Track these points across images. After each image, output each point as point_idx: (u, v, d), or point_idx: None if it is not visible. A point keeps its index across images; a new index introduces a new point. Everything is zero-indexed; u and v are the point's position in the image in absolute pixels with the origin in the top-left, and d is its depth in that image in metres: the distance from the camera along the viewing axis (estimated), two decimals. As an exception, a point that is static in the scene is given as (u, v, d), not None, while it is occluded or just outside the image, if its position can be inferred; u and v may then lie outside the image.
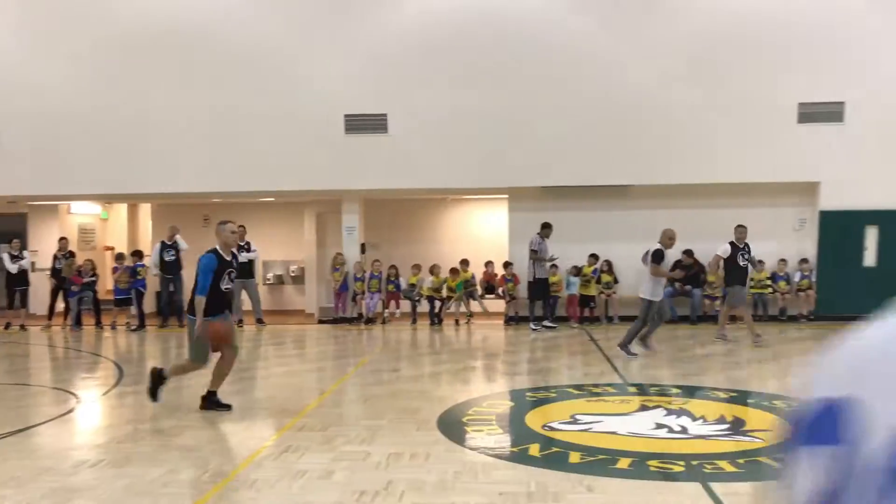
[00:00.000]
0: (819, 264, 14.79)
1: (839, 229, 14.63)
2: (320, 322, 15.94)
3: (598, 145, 14.77)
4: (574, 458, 6.18)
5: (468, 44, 14.85)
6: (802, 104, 14.44)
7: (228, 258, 7.86)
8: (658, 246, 11.00)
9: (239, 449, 6.71)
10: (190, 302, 7.86)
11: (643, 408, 7.88)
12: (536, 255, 14.10)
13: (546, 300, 14.52)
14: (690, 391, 8.90)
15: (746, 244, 12.13)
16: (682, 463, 6.02)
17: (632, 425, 7.20)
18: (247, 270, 15.03)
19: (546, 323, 14.25)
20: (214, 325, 7.64)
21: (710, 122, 14.53)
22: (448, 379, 10.08)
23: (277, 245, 17.23)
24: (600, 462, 6.07)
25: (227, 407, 7.88)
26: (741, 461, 6.05)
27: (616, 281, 15.06)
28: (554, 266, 14.63)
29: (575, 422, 7.37)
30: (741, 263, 12.01)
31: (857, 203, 14.44)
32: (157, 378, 7.98)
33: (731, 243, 12.04)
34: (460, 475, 5.77)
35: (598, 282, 15.02)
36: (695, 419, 7.37)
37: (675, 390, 8.89)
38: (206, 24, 15.14)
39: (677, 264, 14.81)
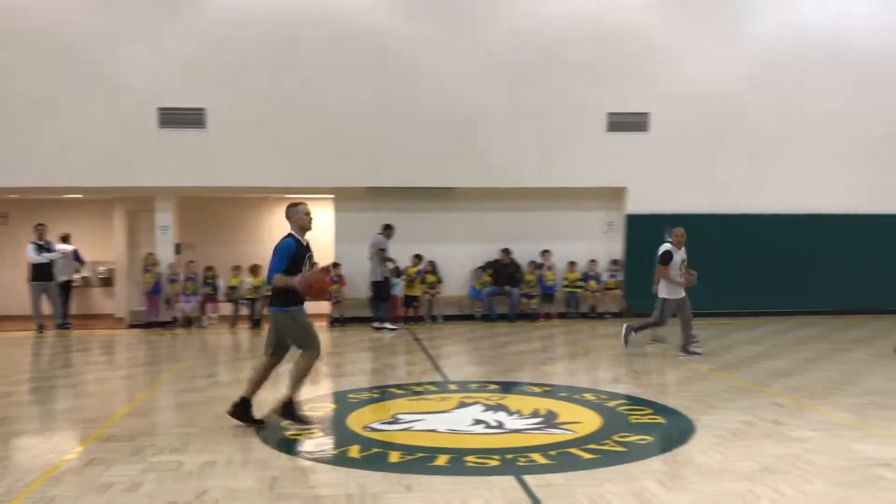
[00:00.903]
0: (626, 265, 15.73)
1: (644, 232, 15.59)
2: (131, 326, 15.11)
3: (424, 148, 14.97)
4: (394, 457, 6.19)
5: (292, 42, 14.63)
6: (611, 114, 15.31)
7: (305, 243, 7.26)
8: (667, 246, 11.04)
9: (35, 464, 6.20)
10: (273, 295, 7.19)
11: (462, 404, 8.03)
12: (384, 255, 14.07)
13: (388, 301, 14.49)
14: (507, 387, 9.17)
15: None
16: (497, 457, 6.17)
17: (451, 422, 7.31)
18: (47, 272, 14.05)
19: (388, 325, 14.16)
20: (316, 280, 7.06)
21: (526, 129, 15.11)
22: (268, 383, 9.80)
23: (84, 245, 16.14)
24: (419, 460, 6.12)
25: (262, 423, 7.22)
26: (553, 453, 6.28)
27: (440, 281, 15.30)
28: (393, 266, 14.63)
29: (396, 421, 7.40)
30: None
31: (660, 207, 15.46)
32: (244, 407, 7.25)
33: (669, 243, 12.26)
34: (278, 481, 5.63)
35: (423, 282, 15.20)
36: (511, 414, 7.60)
37: (493, 386, 9.13)
38: (9, 10, 14.03)
39: (491, 264, 15.32)
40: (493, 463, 6.05)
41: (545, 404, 8.04)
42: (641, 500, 5.19)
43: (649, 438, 6.79)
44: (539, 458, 6.14)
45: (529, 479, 5.61)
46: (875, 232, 15.85)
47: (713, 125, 15.49)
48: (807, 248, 15.68)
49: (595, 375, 10.11)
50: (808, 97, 15.56)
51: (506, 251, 15.37)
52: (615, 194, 15.79)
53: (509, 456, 6.21)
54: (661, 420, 7.47)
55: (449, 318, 15.22)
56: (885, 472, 5.75)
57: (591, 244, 15.96)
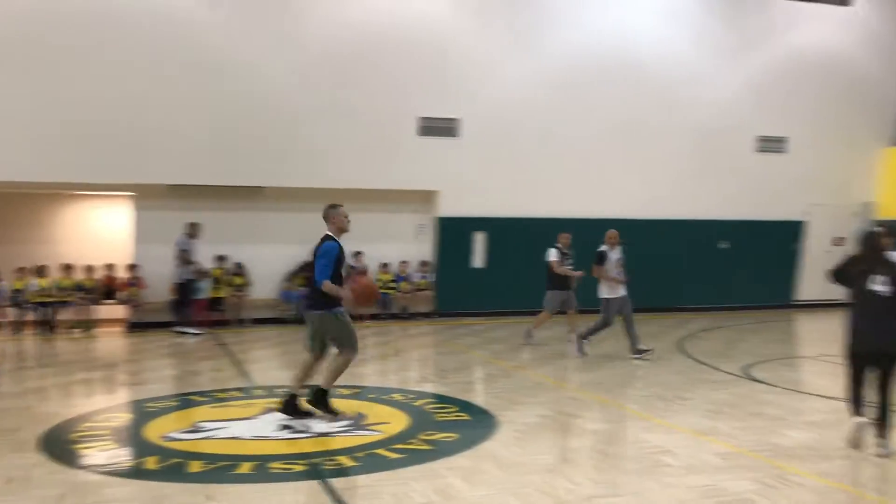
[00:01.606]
0: (437, 266, 16.04)
1: (453, 234, 16.01)
2: None
3: (231, 145, 14.46)
4: (194, 467, 5.94)
5: (90, 32, 13.64)
6: (423, 118, 15.55)
7: (342, 244, 7.28)
8: (603, 247, 11.24)
9: None
10: (315, 297, 7.21)
11: (268, 410, 7.83)
12: (186, 256, 13.39)
13: (190, 305, 13.82)
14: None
15: (569, 250, 12.66)
16: (303, 462, 6.08)
17: (256, 429, 7.12)
18: None
19: (190, 330, 13.47)
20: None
21: (339, 129, 15.00)
22: (57, 394, 9.14)
23: None
24: (221, 469, 5.91)
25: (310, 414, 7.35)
26: (360, 455, 6.28)
27: (248, 283, 14.88)
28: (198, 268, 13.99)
29: (197, 430, 7.10)
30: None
31: (468, 210, 15.92)
32: (293, 404, 7.34)
33: (558, 249, 12.54)
34: (65, 498, 5.23)
35: (230, 284, 14.71)
36: (318, 417, 7.51)
37: (301, 390, 8.98)
38: None
39: (305, 266, 15.11)
40: (299, 468, 5.96)
41: (354, 406, 8.01)
42: (444, 497, 5.29)
43: (454, 436, 6.94)
44: (346, 461, 6.11)
45: (336, 483, 5.58)
46: (672, 235, 17.07)
47: (519, 132, 16.10)
48: (576, 250, 16.42)
49: (404, 376, 10.22)
50: (605, 108, 16.50)
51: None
52: (427, 197, 16.05)
53: (316, 460, 6.14)
54: (466, 417, 7.66)
55: (258, 322, 14.82)
56: (669, 459, 6.21)
57: (403, 246, 16.13)
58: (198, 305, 14.19)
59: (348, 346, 7.37)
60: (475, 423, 7.41)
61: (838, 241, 18.30)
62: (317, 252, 7.30)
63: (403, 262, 15.96)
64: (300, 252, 15.25)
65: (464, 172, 15.79)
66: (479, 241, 16.26)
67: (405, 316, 15.84)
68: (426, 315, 15.92)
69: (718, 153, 17.51)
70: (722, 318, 16.03)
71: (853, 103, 18.54)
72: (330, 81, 14.86)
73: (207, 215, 14.32)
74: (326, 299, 7.20)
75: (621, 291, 11.07)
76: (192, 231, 13.61)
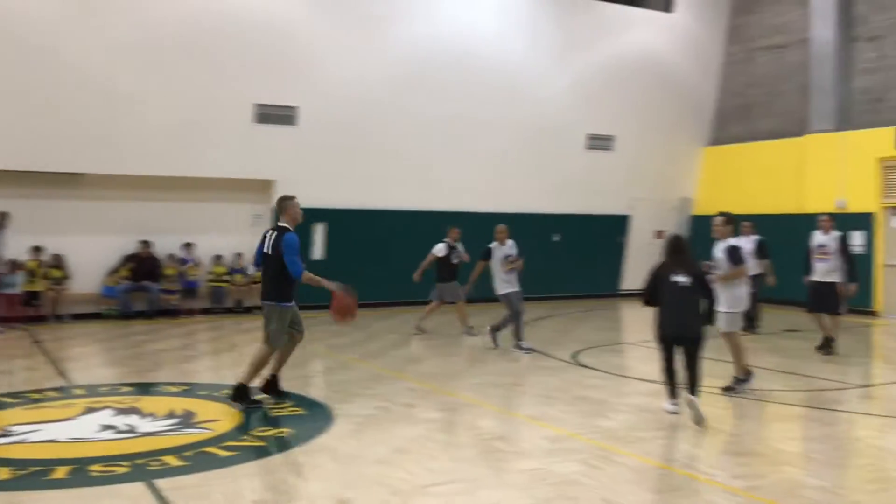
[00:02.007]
0: (273, 258, 15.66)
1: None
2: None
3: (46, 128, 13.44)
4: (2, 474, 5.47)
5: None
6: (259, 105, 15.11)
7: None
8: (492, 244, 11.23)
9: None
10: (276, 288, 7.45)
11: (89, 410, 7.36)
12: None
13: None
14: (143, 388, 8.63)
15: (457, 243, 12.77)
16: (126, 464, 5.75)
17: (74, 430, 6.67)
18: None
19: None
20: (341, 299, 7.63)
21: (168, 115, 14.31)
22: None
23: None
24: (33, 475, 5.48)
25: (288, 395, 7.72)
26: (189, 454, 6.01)
27: (66, 276, 13.93)
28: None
29: (7, 434, 6.56)
30: (454, 261, 12.67)
31: (307, 201, 15.51)
32: (244, 391, 7.46)
33: (447, 243, 12.58)
34: None
35: (46, 277, 13.72)
36: (144, 416, 7.14)
37: (126, 388, 8.52)
38: None
39: (130, 258, 14.36)
40: (122, 470, 5.62)
41: (183, 404, 7.67)
42: (278, 493, 5.16)
43: (289, 431, 6.79)
44: (173, 461, 5.83)
45: (161, 484, 5.30)
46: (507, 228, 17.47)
47: (358, 123, 15.99)
48: (414, 242, 16.57)
49: (238, 371, 9.85)
50: (442, 101, 16.69)
51: (145, 244, 14.48)
52: (263, 187, 15.63)
53: (140, 461, 5.81)
54: (301, 411, 7.51)
55: (78, 317, 13.92)
56: (501, 445, 6.35)
57: (238, 237, 15.62)
58: (8, 301, 13.14)
59: (273, 341, 7.50)
60: (311, 418, 7.28)
61: (660, 234, 19.45)
62: (274, 244, 7.44)
63: (238, 254, 15.46)
64: (124, 243, 14.52)
65: (302, 162, 15.50)
66: (318, 232, 16.04)
67: (240, 310, 15.36)
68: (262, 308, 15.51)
69: (551, 149, 18.14)
70: (554, 307, 16.63)
71: (675, 105, 19.75)
72: (157, 64, 14.11)
73: (20, 203, 13.28)
74: (278, 292, 7.47)
75: (514, 287, 11.16)
76: (1, 220, 12.54)
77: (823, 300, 10.95)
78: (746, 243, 12.75)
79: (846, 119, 17.22)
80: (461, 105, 16.88)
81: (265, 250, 7.56)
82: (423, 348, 11.37)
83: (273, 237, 7.54)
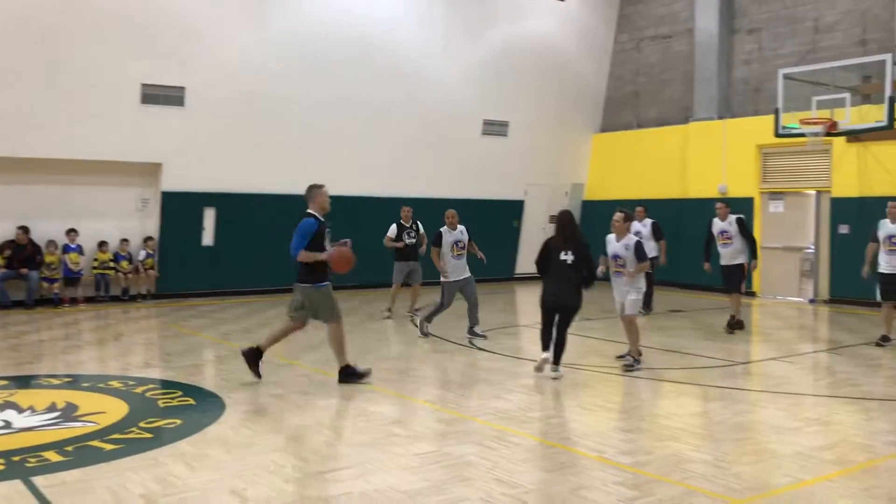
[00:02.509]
0: (161, 244, 15.16)
1: (180, 210, 15.20)
2: None
3: None
4: None
5: None
6: (146, 85, 14.54)
7: (323, 221, 7.86)
8: (442, 228, 11.00)
9: None
10: (308, 271, 7.73)
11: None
12: None
13: None
14: (22, 381, 8.19)
15: (415, 223, 13.05)
16: (1, 461, 5.45)
17: (-57, 428, 6.28)
18: None
19: None
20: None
21: (46, 93, 13.59)
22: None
23: None
24: None
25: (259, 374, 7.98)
26: (69, 448, 5.75)
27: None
28: None
29: None
30: (407, 242, 12.99)
31: (196, 185, 15.20)
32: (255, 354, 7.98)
33: (398, 223, 12.80)
34: None
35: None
36: (22, 411, 6.79)
37: (1, 382, 8.08)
38: None
39: (6, 244, 13.62)
40: (-4, 468, 5.33)
41: (65, 396, 7.34)
42: (165, 485, 5.00)
43: (178, 421, 6.59)
44: (53, 456, 5.57)
45: (40, 481, 5.06)
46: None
47: (250, 106, 15.60)
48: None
49: (124, 361, 9.52)
50: (338, 84, 16.47)
51: (23, 230, 13.74)
52: (150, 170, 15.08)
53: (16, 458, 5.53)
54: (191, 401, 7.31)
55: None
56: (397, 429, 6.35)
57: (125, 222, 15.05)
58: None
59: (333, 318, 7.88)
60: (201, 408, 7.09)
61: (553, 219, 19.85)
62: (296, 228, 7.84)
63: (124, 240, 14.88)
64: (1, 229, 13.74)
65: (191, 144, 15.04)
66: (209, 217, 15.60)
67: (126, 298, 14.82)
68: (150, 296, 15.02)
69: (448, 134, 18.21)
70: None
71: (568, 92, 20.14)
72: (37, 39, 13.36)
73: None
74: (312, 274, 7.73)
75: (462, 274, 10.89)
76: None
77: (732, 281, 11.71)
78: (642, 227, 13.34)
79: (728, 107, 17.98)
80: (357, 89, 16.71)
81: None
82: (318, 335, 11.23)
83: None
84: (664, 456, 5.73)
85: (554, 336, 8.30)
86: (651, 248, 13.42)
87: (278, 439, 6.04)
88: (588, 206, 20.48)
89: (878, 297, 11.01)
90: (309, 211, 7.98)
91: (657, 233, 13.49)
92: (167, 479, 5.12)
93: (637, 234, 13.37)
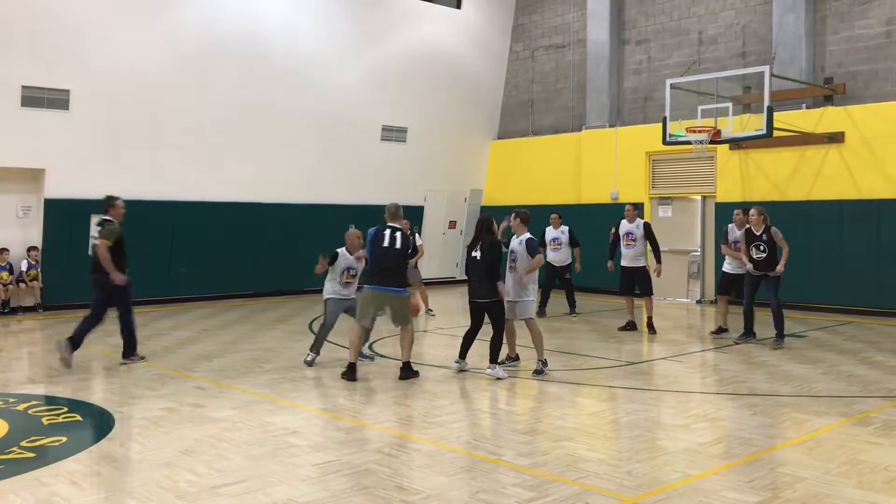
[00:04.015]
0: (44, 253, 14.46)
1: (65, 217, 14.55)
2: None
3: None
4: None
5: None
6: (26, 87, 13.87)
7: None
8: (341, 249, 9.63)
9: None
10: (401, 277, 8.63)
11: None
12: None
13: None
14: None
15: (413, 233, 12.55)
16: None
17: None
18: None
19: None
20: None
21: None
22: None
23: None
24: None
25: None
26: (-58, 472, 5.40)
27: None
28: None
29: None
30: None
31: (83, 191, 14.57)
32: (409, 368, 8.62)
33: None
34: None
35: None
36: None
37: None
38: None
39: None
40: None
41: (-64, 417, 6.89)
42: (49, 508, 4.77)
43: (63, 439, 6.30)
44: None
45: None
46: (301, 219, 17.23)
47: (138, 110, 15.07)
48: (202, 235, 16.12)
49: (4, 377, 9.03)
50: (230, 88, 16.12)
51: None
52: (32, 176, 14.38)
53: None
54: (77, 417, 7.00)
55: None
56: (295, 440, 6.25)
57: (4, 231, 14.29)
58: None
59: (410, 321, 8.76)
60: (88, 423, 6.81)
61: (452, 224, 20.00)
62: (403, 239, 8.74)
63: (4, 250, 14.13)
64: None
65: (75, 150, 14.44)
66: (96, 225, 14.96)
67: (5, 311, 14.06)
68: (35, 308, 14.30)
69: (347, 139, 18.10)
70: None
71: (466, 99, 20.34)
72: None
73: None
74: (401, 280, 8.64)
75: (343, 294, 9.60)
76: None
77: (631, 284, 12.35)
78: (560, 234, 13.86)
79: (618, 116, 18.55)
80: (253, 92, 16.42)
81: (393, 245, 8.66)
82: (213, 345, 10.96)
83: (397, 235, 8.75)
84: (560, 456, 5.85)
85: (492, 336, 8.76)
86: (568, 255, 13.95)
87: (170, 454, 5.85)
88: (487, 211, 20.72)
89: (715, 293, 11.86)
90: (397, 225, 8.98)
91: (573, 239, 13.99)
92: (51, 500, 4.88)
93: (555, 240, 13.86)
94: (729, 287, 11.78)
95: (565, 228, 14.10)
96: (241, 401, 7.63)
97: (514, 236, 9.14)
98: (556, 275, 14.21)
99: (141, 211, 15.21)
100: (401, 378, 8.53)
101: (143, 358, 9.71)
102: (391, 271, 8.59)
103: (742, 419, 7.05)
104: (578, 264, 14.12)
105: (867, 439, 6.29)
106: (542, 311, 13.74)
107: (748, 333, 11.18)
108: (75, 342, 9.28)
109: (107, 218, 9.90)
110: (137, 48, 14.92)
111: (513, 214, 9.23)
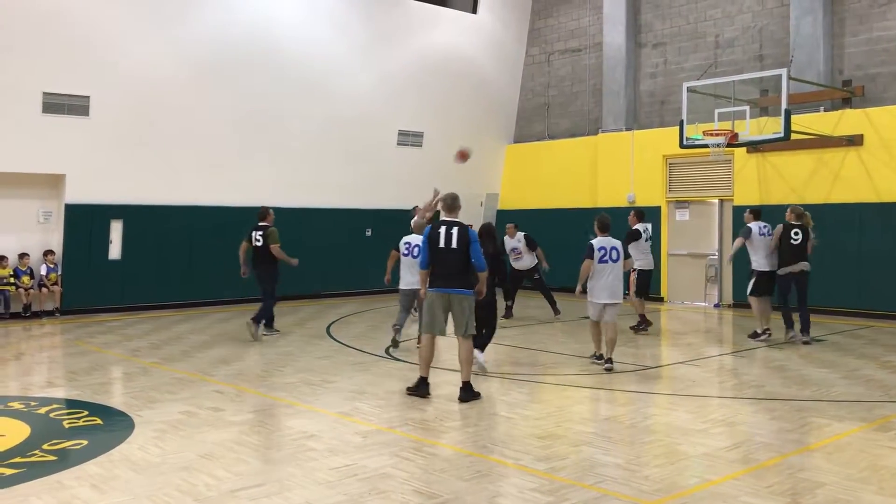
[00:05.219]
0: (65, 258, 14.60)
1: (85, 223, 14.69)
2: None
3: None
4: None
5: None
6: (48, 94, 14.02)
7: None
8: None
9: None
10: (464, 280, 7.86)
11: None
12: None
13: None
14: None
15: None
16: None
17: None
18: None
19: None
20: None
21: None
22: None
23: None
24: None
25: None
26: (-34, 475, 5.47)
27: None
28: None
29: None
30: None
31: (102, 197, 14.72)
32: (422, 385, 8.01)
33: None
34: None
35: None
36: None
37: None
38: None
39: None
40: None
41: (-40, 420, 6.98)
42: (70, 510, 4.81)
43: (84, 442, 6.35)
44: (-54, 483, 5.28)
45: (-68, 510, 4.80)
46: (320, 223, 17.29)
47: (156, 115, 15.19)
48: (219, 240, 15.98)
49: (26, 381, 9.12)
50: (248, 94, 16.22)
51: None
52: (53, 182, 14.53)
53: None
54: (98, 421, 7.05)
55: None
56: (312, 444, 6.27)
57: (25, 236, 14.44)
58: None
59: (472, 329, 7.96)
60: (109, 427, 6.86)
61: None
62: (474, 238, 7.92)
63: (24, 255, 14.27)
64: None
65: (95, 155, 14.57)
66: (116, 230, 15.11)
67: (27, 315, 14.21)
68: (53, 312, 14.43)
69: (363, 144, 18.17)
70: (368, 302, 16.68)
71: (481, 103, 20.37)
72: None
73: None
74: (469, 282, 7.89)
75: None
76: None
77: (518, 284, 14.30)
78: (517, 242, 14.19)
79: (635, 119, 18.51)
80: (269, 97, 16.53)
81: (449, 244, 7.83)
82: (231, 349, 11.02)
83: (456, 231, 7.89)
84: (578, 461, 5.84)
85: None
86: (531, 260, 14.21)
87: (190, 457, 5.89)
88: (503, 215, 20.73)
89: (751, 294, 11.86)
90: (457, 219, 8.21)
91: (530, 243, 14.30)
92: (72, 502, 4.93)
93: (514, 250, 14.08)
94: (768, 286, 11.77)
95: (521, 235, 14.40)
96: (260, 405, 7.67)
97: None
98: (524, 278, 14.51)
99: (160, 216, 15.38)
100: (461, 400, 7.76)
101: (277, 331, 12.21)
102: (454, 270, 7.84)
103: (760, 424, 7.01)
104: (545, 263, 14.38)
105: (888, 444, 6.24)
106: (509, 313, 14.19)
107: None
108: (259, 319, 11.71)
109: (265, 224, 11.92)
110: (156, 55, 15.04)
111: (510, 224, 9.76)
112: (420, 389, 7.95)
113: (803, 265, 11.17)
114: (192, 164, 15.73)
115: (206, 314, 14.96)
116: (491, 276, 8.82)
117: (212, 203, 16.05)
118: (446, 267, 7.85)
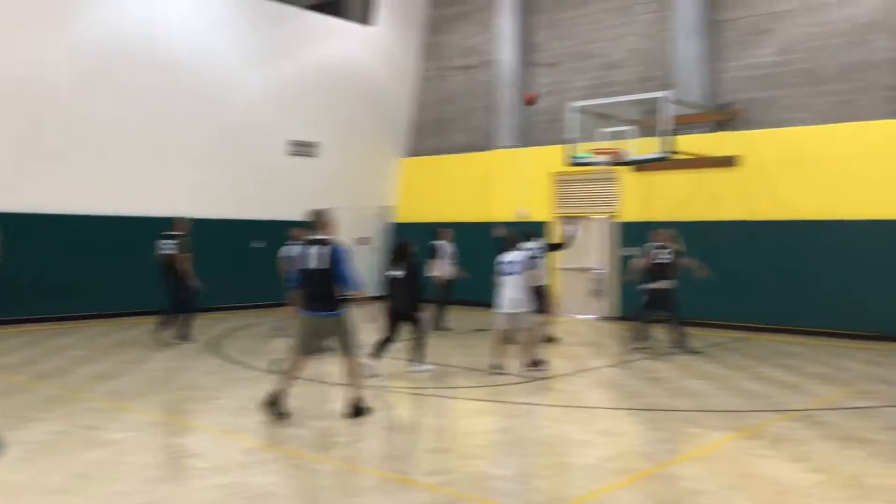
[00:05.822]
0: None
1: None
2: None
3: None
4: None
5: None
6: (-90, 92, 13.12)
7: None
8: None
9: None
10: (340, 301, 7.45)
11: None
12: None
13: None
14: None
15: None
16: None
17: None
18: None
19: None
20: None
21: None
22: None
23: None
24: None
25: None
26: None
27: None
28: None
29: None
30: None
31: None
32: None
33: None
34: None
35: None
36: None
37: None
38: None
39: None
40: None
41: None
42: (-75, 540, 4.48)
43: (-56, 465, 5.93)
44: None
45: None
46: (205, 234, 16.75)
47: (36, 119, 14.45)
48: (106, 250, 15.55)
49: None
50: (133, 98, 15.64)
51: None
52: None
53: None
54: (-40, 442, 6.61)
55: None
56: (196, 461, 6.07)
57: None
58: None
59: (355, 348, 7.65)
60: (-27, 448, 6.43)
61: (363, 241, 19.89)
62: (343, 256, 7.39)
63: None
64: None
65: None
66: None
67: None
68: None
69: (252, 154, 17.82)
70: (255, 315, 16.31)
71: (375, 115, 20.34)
72: None
73: None
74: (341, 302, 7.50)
75: None
76: None
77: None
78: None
79: (527, 136, 18.88)
80: (154, 103, 16.01)
81: (312, 264, 7.44)
82: (111, 364, 10.55)
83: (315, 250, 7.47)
84: (468, 474, 5.86)
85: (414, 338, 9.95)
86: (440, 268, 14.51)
87: (62, 478, 5.59)
88: (398, 228, 20.74)
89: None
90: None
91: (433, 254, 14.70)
92: (-72, 531, 4.59)
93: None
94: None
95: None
96: (140, 423, 7.36)
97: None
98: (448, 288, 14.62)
99: (38, 225, 14.61)
100: (349, 416, 7.48)
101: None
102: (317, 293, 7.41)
103: (641, 434, 7.23)
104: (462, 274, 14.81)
105: (759, 453, 6.54)
106: (440, 325, 14.18)
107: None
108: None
109: (177, 233, 12.17)
110: (34, 54, 14.33)
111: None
112: (276, 406, 7.43)
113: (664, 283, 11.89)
114: (74, 172, 15.01)
115: (86, 327, 14.29)
116: (412, 291, 9.79)
117: (97, 212, 15.37)
118: (310, 288, 7.44)
